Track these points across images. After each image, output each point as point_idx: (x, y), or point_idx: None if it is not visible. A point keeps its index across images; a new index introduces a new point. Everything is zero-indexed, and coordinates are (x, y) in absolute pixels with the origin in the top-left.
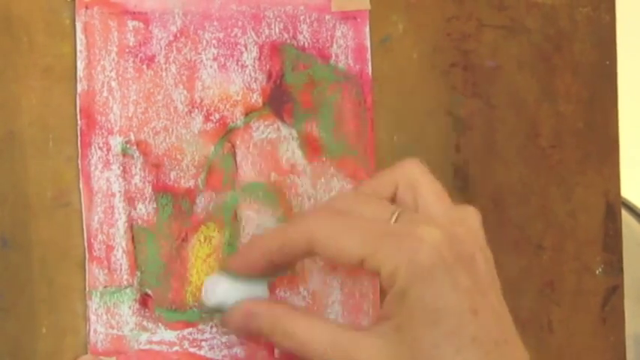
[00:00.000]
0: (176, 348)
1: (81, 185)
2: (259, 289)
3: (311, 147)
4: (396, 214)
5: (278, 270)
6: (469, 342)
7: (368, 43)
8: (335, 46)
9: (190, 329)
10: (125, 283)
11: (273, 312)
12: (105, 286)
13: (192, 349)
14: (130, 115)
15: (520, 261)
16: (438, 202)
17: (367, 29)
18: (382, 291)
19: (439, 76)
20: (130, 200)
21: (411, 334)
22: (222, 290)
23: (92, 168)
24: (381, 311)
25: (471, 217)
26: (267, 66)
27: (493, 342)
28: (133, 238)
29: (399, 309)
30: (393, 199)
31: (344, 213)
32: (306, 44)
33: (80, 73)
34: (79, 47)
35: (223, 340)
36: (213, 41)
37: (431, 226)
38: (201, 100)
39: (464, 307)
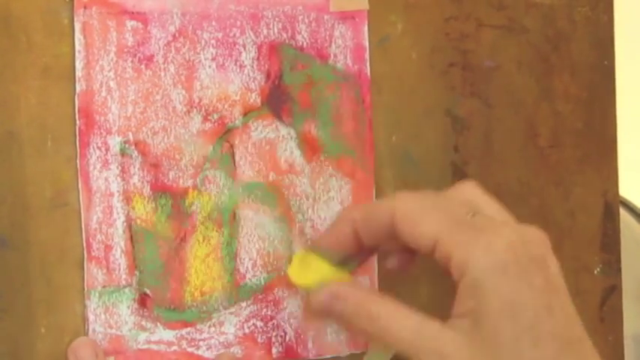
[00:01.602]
0: (174, 348)
1: (79, 185)
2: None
3: (309, 147)
4: (472, 212)
5: (361, 252)
6: (546, 337)
7: (366, 43)
8: (333, 46)
9: (189, 329)
10: (124, 282)
11: (360, 294)
12: (103, 286)
13: (190, 349)
14: (128, 114)
15: None
16: (504, 213)
17: (366, 29)
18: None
19: (438, 76)
20: (129, 200)
21: (490, 326)
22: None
23: (91, 168)
24: (456, 303)
25: (536, 228)
26: (266, 66)
27: (567, 339)
28: (131, 237)
29: (474, 301)
30: None
31: (427, 198)
32: (305, 44)
33: (79, 73)
34: (77, 47)
35: (221, 339)
36: (212, 41)
37: (505, 226)
38: (200, 100)
39: (539, 304)
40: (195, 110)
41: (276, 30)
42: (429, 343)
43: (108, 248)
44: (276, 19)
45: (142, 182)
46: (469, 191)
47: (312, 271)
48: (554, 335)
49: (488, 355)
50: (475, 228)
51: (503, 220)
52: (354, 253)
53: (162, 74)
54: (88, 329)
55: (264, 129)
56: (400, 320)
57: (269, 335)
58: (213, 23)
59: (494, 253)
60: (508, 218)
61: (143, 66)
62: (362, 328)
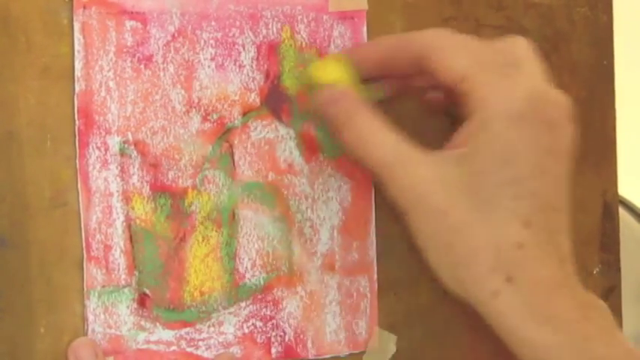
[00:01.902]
0: (174, 348)
1: (79, 185)
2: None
3: (309, 147)
4: (507, 63)
5: (385, 76)
6: (528, 194)
7: None
8: (333, 46)
9: (188, 329)
10: (123, 282)
11: (352, 103)
12: (103, 286)
13: (189, 349)
14: (127, 114)
15: None
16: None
17: (365, 29)
18: (457, 119)
19: None
20: (128, 200)
21: (477, 165)
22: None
23: (90, 168)
24: (451, 139)
25: (563, 94)
26: (265, 66)
27: (546, 203)
28: (130, 237)
29: (472, 138)
30: None
31: (459, 38)
32: (304, 44)
33: (78, 73)
34: (76, 47)
35: (220, 339)
36: (211, 41)
37: (533, 79)
38: (199, 100)
39: (535, 162)
40: (194, 110)
41: (275, 30)
42: (406, 164)
43: (107, 248)
44: (275, 19)
45: (142, 182)
46: (517, 46)
47: (333, 72)
48: (536, 195)
49: (465, 191)
50: (502, 73)
51: (533, 73)
52: (380, 77)
53: (162, 74)
54: (87, 329)
55: (264, 129)
56: (381, 136)
57: (268, 335)
58: (213, 23)
59: (512, 100)
60: (541, 74)
61: (142, 66)
62: (345, 137)
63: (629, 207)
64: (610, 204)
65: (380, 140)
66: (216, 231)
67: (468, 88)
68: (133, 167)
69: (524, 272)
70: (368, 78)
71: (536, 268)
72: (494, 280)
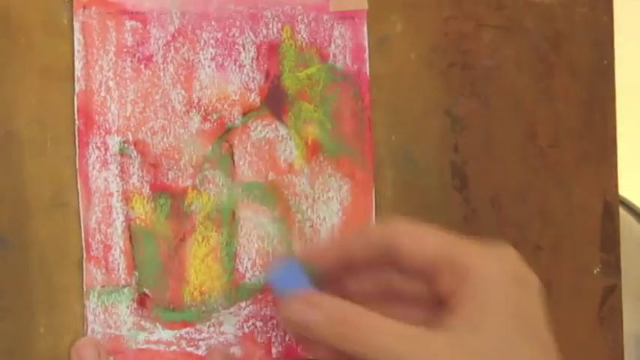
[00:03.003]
0: (174, 347)
1: (79, 185)
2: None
3: (309, 147)
4: None
5: (350, 271)
6: (550, 349)
7: (366, 43)
8: (333, 45)
9: (188, 329)
10: (123, 282)
11: (336, 302)
12: (103, 286)
13: (189, 349)
14: (127, 114)
15: None
16: None
17: (365, 29)
18: (458, 295)
19: (437, 75)
20: (128, 200)
21: (494, 334)
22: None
23: (90, 168)
24: (450, 309)
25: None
26: (265, 66)
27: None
28: (130, 237)
29: (479, 309)
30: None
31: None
32: (304, 44)
33: (78, 72)
34: (76, 47)
35: (220, 339)
36: (211, 41)
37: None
38: (199, 100)
39: (545, 319)
40: (194, 110)
41: (275, 30)
42: (418, 345)
43: (107, 248)
44: (276, 18)
45: (142, 182)
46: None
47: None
48: (552, 350)
49: (483, 354)
50: (486, 244)
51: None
52: (338, 275)
53: (162, 74)
54: (87, 329)
55: (264, 129)
56: (382, 327)
57: (269, 335)
58: (213, 23)
59: (508, 268)
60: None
61: (142, 66)
62: (338, 338)
63: (629, 207)
64: (610, 204)
65: (385, 331)
66: (216, 231)
67: (450, 261)
68: (133, 167)
69: None
70: (327, 276)
71: None
72: None
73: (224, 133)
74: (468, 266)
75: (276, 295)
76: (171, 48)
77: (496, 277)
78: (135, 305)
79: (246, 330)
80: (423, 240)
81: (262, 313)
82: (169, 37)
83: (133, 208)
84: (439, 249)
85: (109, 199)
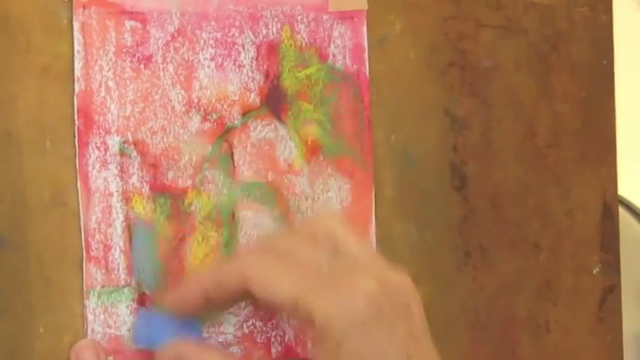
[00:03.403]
0: None
1: (78, 185)
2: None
3: (308, 147)
4: (330, 258)
5: (215, 309)
6: None
7: (365, 43)
8: (332, 45)
9: None
10: (123, 282)
11: (204, 356)
12: (102, 286)
13: None
14: (127, 114)
15: (517, 261)
16: (366, 249)
17: (364, 29)
18: (314, 340)
19: (436, 75)
20: (128, 200)
21: None
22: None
23: (89, 168)
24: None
25: (401, 270)
26: (265, 66)
27: None
28: (130, 237)
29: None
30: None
31: (279, 253)
32: (304, 44)
33: (77, 72)
34: (76, 47)
35: (220, 339)
36: (211, 41)
37: (367, 273)
38: (199, 100)
39: (400, 356)
40: (194, 110)
41: (275, 30)
42: None
43: (107, 248)
44: (275, 18)
45: (141, 182)
46: (328, 226)
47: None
48: None
49: None
50: (335, 282)
51: (364, 264)
52: (206, 312)
53: (161, 74)
54: (86, 329)
55: (263, 129)
56: None
57: (268, 335)
58: (212, 23)
59: (354, 311)
60: (369, 255)
61: (142, 66)
62: None
63: (629, 207)
64: (610, 204)
65: None
66: (215, 231)
67: (308, 315)
68: (133, 167)
69: None
70: (195, 313)
71: None
72: None
73: (224, 133)
74: (322, 318)
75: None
76: (171, 48)
77: (350, 327)
78: (135, 305)
79: (246, 330)
80: (276, 292)
81: (262, 314)
82: (169, 37)
83: (132, 208)
84: (295, 301)
85: (108, 199)
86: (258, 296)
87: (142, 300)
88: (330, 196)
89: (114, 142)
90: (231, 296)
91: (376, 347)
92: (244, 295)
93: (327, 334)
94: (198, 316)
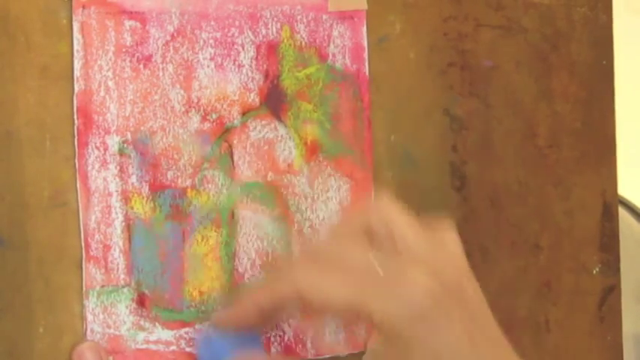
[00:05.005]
0: (173, 347)
1: (78, 185)
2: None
3: (308, 146)
4: (376, 255)
5: (271, 321)
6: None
7: (365, 43)
8: (332, 45)
9: (187, 329)
10: (122, 282)
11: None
12: (102, 286)
13: (189, 349)
14: (127, 114)
15: (517, 261)
16: (414, 233)
17: (364, 29)
18: (372, 335)
19: (436, 75)
20: (127, 200)
21: None
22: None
23: (89, 167)
24: (382, 357)
25: (449, 239)
26: (264, 66)
27: None
28: (130, 237)
29: (397, 354)
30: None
31: (327, 258)
32: (303, 44)
33: (77, 72)
34: (76, 47)
35: None
36: (211, 41)
37: (416, 265)
38: (198, 100)
39: (461, 339)
40: (193, 110)
41: (274, 30)
42: None
43: (106, 248)
44: (275, 18)
45: (141, 182)
46: (377, 215)
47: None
48: None
49: None
50: (389, 282)
51: (415, 255)
52: (263, 325)
53: (161, 74)
54: (86, 329)
55: (263, 129)
56: None
57: (268, 335)
58: (212, 23)
59: (412, 306)
60: (419, 232)
61: (141, 66)
62: None
63: (629, 207)
64: (610, 204)
65: None
66: (215, 231)
67: (366, 313)
68: (132, 167)
69: None
70: (252, 327)
71: None
72: None
73: (223, 133)
74: (384, 316)
75: None
76: (171, 48)
77: (409, 319)
78: (134, 305)
79: None
80: (329, 297)
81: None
82: (168, 37)
83: (132, 207)
84: (349, 303)
85: (108, 198)
86: (314, 306)
87: (141, 300)
88: (330, 196)
89: (113, 141)
90: (285, 307)
91: (438, 337)
92: (298, 307)
93: (391, 333)
94: (256, 329)
